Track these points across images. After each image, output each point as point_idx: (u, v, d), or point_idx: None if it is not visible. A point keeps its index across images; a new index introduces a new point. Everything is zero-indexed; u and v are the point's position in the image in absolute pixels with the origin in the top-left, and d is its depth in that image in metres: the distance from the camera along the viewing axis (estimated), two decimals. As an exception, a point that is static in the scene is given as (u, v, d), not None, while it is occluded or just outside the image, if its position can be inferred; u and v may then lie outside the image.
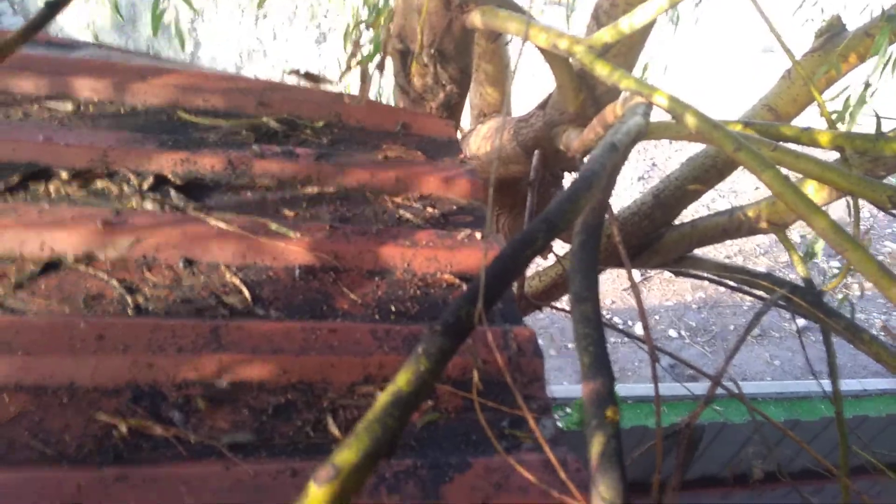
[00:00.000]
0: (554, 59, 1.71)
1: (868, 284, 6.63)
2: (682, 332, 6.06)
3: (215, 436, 0.93)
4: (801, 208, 1.07)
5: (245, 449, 0.92)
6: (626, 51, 1.82)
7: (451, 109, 1.74)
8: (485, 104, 2.58)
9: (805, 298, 1.82)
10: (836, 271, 6.41)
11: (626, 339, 6.02)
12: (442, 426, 0.99)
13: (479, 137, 2.39)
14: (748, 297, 6.31)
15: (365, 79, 1.22)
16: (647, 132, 1.08)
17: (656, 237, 2.48)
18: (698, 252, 2.64)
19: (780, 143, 1.46)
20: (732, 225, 2.26)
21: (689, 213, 2.67)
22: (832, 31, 2.09)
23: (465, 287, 1.18)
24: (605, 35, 1.29)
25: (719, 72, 9.00)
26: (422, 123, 1.55)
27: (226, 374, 0.99)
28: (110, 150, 1.28)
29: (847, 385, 4.67)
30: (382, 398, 0.54)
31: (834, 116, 1.97)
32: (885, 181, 1.69)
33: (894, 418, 2.91)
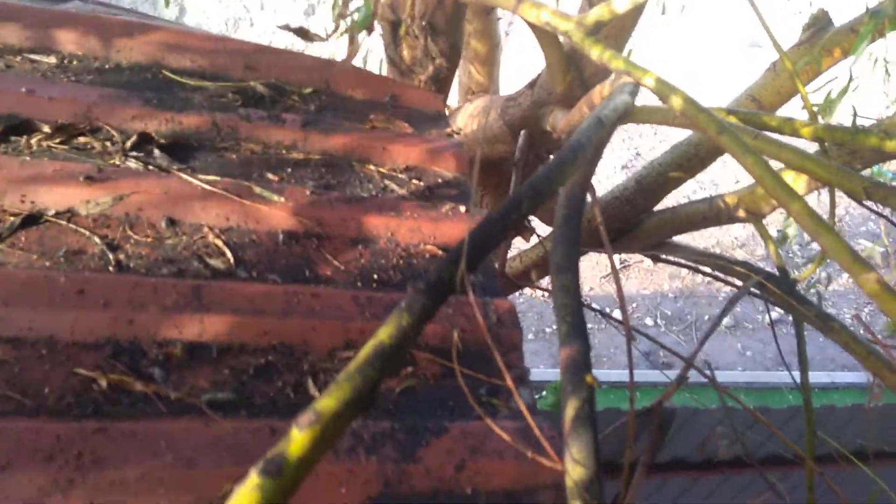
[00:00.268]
0: (544, 38, 1.72)
1: (841, 280, 6.77)
2: (659, 321, 6.14)
3: (195, 393, 0.93)
4: (780, 193, 1.09)
5: (225, 407, 0.93)
6: (616, 33, 1.83)
7: (440, 83, 1.74)
8: (473, 82, 2.58)
9: (778, 287, 1.86)
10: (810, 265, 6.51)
11: (603, 325, 6.09)
12: (420, 392, 1.01)
13: (467, 115, 2.39)
14: (724, 288, 6.41)
15: (353, 41, 1.21)
16: (633, 111, 1.09)
17: (637, 222, 2.50)
18: (678, 239, 2.68)
19: (763, 132, 1.48)
20: (712, 212, 2.29)
21: (672, 204, 2.70)
22: (818, 25, 2.11)
23: (447, 258, 1.19)
24: (598, 13, 1.30)
25: (706, 66, 9.05)
26: (410, 95, 1.55)
27: (207, 333, 0.99)
28: (94, 106, 1.26)
29: (816, 377, 4.78)
30: (364, 350, 0.55)
31: (816, 109, 2.00)
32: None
33: (860, 408, 2.99)
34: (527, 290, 6.01)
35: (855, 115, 1.81)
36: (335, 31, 1.22)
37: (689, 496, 3.44)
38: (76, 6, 1.53)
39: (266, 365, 0.98)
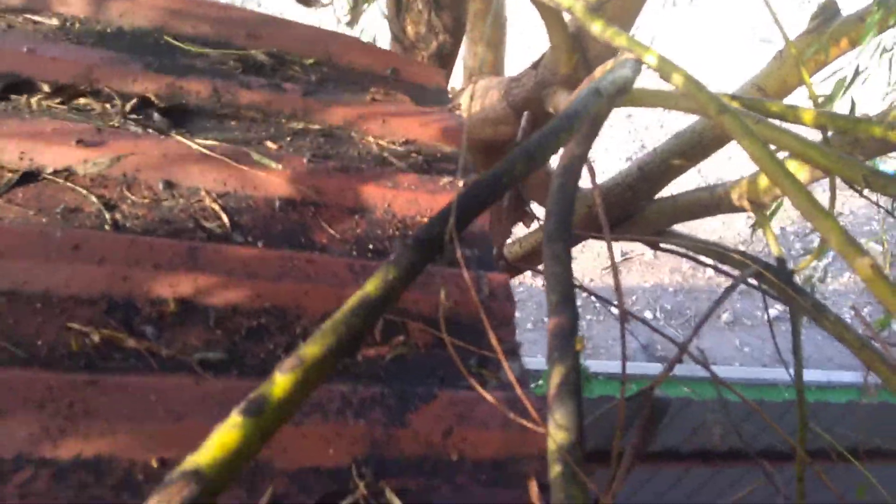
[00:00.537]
0: (549, 17, 1.71)
1: (842, 279, 6.76)
2: (658, 314, 6.15)
3: (187, 352, 0.94)
4: (778, 175, 1.09)
5: (216, 367, 0.94)
6: (620, 14, 1.82)
7: (444, 59, 1.73)
8: (478, 63, 2.57)
9: (776, 277, 1.86)
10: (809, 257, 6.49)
11: (601, 317, 6.09)
12: (411, 360, 1.01)
13: (470, 96, 2.38)
14: (724, 283, 6.40)
15: (357, 5, 1.21)
16: (632, 88, 1.08)
17: (638, 209, 2.50)
18: (678, 229, 2.67)
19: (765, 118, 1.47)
20: (713, 201, 2.28)
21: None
22: (826, 15, 2.10)
23: (443, 230, 1.20)
24: (602, -9, 1.29)
25: (716, 61, 8.99)
26: (413, 70, 1.55)
27: (200, 294, 0.99)
28: (95, 68, 1.26)
29: (812, 375, 4.77)
30: (351, 300, 0.55)
31: (821, 100, 1.99)
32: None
33: (854, 404, 3.00)
34: (527, 280, 6.02)
35: (853, 105, 1.80)
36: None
37: (680, 487, 3.46)
38: (81, -31, 1.52)
39: (258, 327, 0.99)
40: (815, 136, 1.97)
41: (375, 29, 2.29)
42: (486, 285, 1.12)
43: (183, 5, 1.45)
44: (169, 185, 1.14)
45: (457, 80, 2.72)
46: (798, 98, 2.08)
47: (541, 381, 4.97)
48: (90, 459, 0.78)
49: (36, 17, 1.36)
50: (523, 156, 0.72)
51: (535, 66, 1.98)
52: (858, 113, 1.98)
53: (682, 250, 2.35)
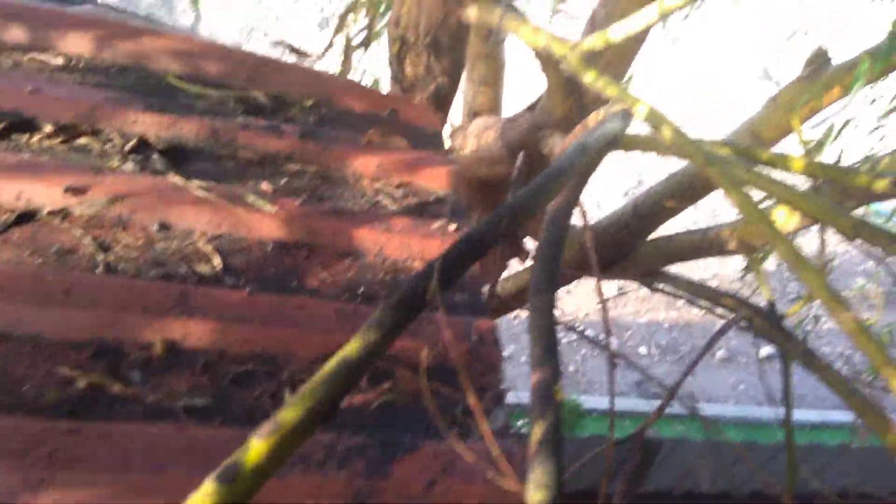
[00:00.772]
0: (545, 62, 1.74)
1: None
2: (652, 350, 6.13)
3: (173, 397, 0.94)
4: (764, 228, 1.11)
5: (201, 413, 0.94)
6: (617, 61, 1.86)
7: (441, 102, 1.76)
8: (477, 103, 2.60)
9: (767, 322, 1.86)
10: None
11: (596, 352, 6.07)
12: (398, 407, 1.02)
13: (468, 135, 2.41)
14: (720, 320, 6.40)
15: (348, 59, 1.24)
16: (622, 138, 1.10)
17: (632, 249, 2.51)
18: (674, 269, 2.69)
19: (756, 166, 1.50)
20: (705, 243, 2.30)
21: (671, 232, 2.71)
22: (818, 63, 2.14)
23: (433, 275, 1.21)
24: (593, 41, 1.32)
25: (717, 96, 9.11)
26: (410, 112, 1.57)
27: (189, 338, 1.00)
28: (97, 108, 1.29)
29: (807, 415, 4.74)
30: (330, 363, 0.56)
31: (812, 146, 2.02)
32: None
33: (846, 447, 2.98)
34: (523, 314, 6.01)
35: (841, 154, 1.83)
36: (328, 48, 1.24)
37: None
38: (88, 9, 1.56)
39: (246, 373, 0.99)
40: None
41: (380, 68, 2.32)
42: (475, 332, 1.12)
43: (187, 47, 1.48)
44: (163, 226, 1.15)
45: (456, 115, 2.76)
46: (793, 142, 2.12)
47: (535, 416, 4.93)
48: (70, 509, 0.78)
49: (41, 56, 1.38)
50: (508, 213, 0.73)
51: (531, 108, 2.01)
52: (848, 155, 2.01)
53: (676, 291, 2.36)
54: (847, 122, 2.09)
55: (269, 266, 1.14)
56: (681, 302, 6.38)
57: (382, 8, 1.41)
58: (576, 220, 1.12)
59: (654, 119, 1.18)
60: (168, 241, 1.14)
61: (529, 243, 2.75)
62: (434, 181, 1.41)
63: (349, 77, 1.49)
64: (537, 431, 0.74)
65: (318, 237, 1.20)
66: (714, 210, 7.08)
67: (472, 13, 1.52)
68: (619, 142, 1.09)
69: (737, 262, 6.96)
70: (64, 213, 1.12)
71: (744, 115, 2.31)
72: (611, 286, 6.40)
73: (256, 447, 0.50)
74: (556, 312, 0.88)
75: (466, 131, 2.46)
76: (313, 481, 0.87)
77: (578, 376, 5.73)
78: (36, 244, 1.06)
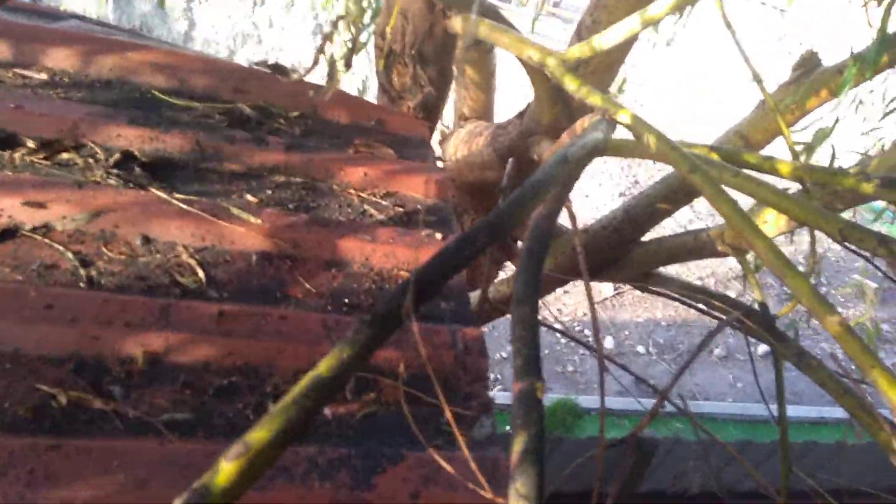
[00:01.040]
0: (533, 70, 1.74)
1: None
2: (650, 349, 6.13)
3: (154, 412, 0.94)
4: (748, 232, 1.11)
5: (183, 427, 0.93)
6: (603, 69, 1.86)
7: (429, 110, 1.76)
8: (468, 108, 2.60)
9: (758, 322, 1.86)
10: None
11: (594, 351, 6.06)
12: (381, 418, 1.01)
13: (458, 141, 2.41)
14: (717, 318, 6.40)
15: (333, 77, 1.24)
16: (605, 148, 1.10)
17: (625, 252, 2.51)
18: (669, 269, 2.69)
19: (744, 169, 1.50)
20: (697, 245, 2.30)
21: (668, 234, 2.71)
22: (807, 66, 2.14)
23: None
24: (578, 51, 1.32)
25: (708, 99, 9.13)
26: (396, 122, 1.57)
27: (171, 352, 1.00)
28: (80, 122, 1.28)
29: (805, 412, 4.74)
30: (302, 381, 0.56)
31: (800, 148, 2.02)
32: (841, 214, 1.74)
33: (843, 444, 2.97)
34: (520, 314, 5.99)
35: (833, 155, 1.84)
36: (313, 66, 1.25)
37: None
38: (71, 24, 1.56)
39: (229, 385, 0.99)
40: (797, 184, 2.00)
41: (370, 78, 2.33)
42: (461, 340, 1.12)
43: (171, 60, 1.48)
44: (147, 240, 1.15)
45: (449, 120, 2.76)
46: (781, 145, 2.12)
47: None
48: (50, 528, 0.77)
49: (25, 72, 1.38)
50: (486, 228, 0.73)
51: (521, 115, 2.02)
52: (840, 158, 2.01)
53: (669, 292, 2.36)
54: (835, 124, 2.10)
55: (253, 278, 1.14)
56: (678, 302, 6.38)
57: (368, 20, 1.41)
58: (568, 223, 1.12)
59: (637, 126, 1.18)
60: (151, 255, 1.13)
61: (522, 245, 2.75)
62: (420, 190, 1.41)
63: (345, 77, 1.48)
64: (519, 441, 0.74)
65: (302, 248, 1.20)
66: (710, 210, 7.09)
67: (455, 24, 1.52)
68: (601, 151, 1.09)
69: (734, 260, 6.97)
70: (46, 229, 1.11)
71: (736, 116, 2.32)
72: (607, 286, 6.41)
73: (226, 469, 0.50)
74: (539, 321, 0.87)
75: (457, 137, 2.47)
76: (296, 493, 0.86)
77: (577, 376, 5.73)
78: (18, 260, 1.06)
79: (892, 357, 6.41)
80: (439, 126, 2.49)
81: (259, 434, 0.52)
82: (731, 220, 1.11)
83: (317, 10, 8.68)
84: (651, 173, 7.70)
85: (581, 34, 1.83)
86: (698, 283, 6.58)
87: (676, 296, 2.32)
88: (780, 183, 1.51)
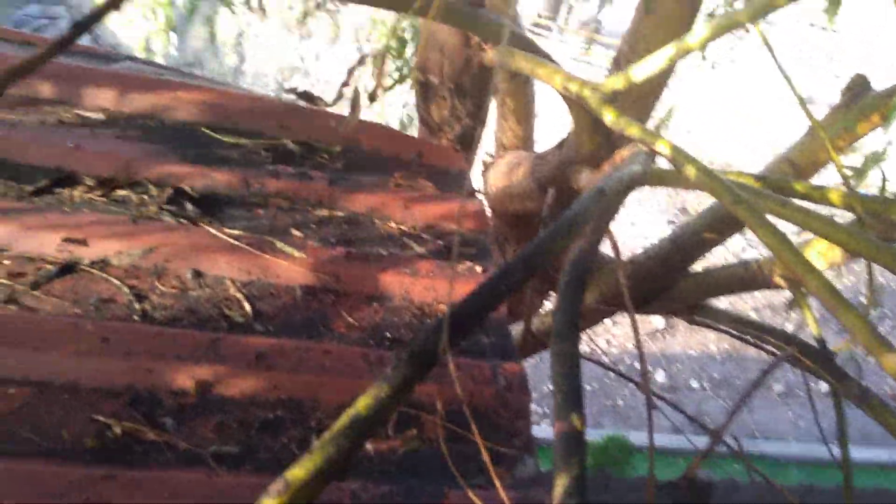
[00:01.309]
0: (570, 100, 1.75)
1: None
2: (705, 384, 5.94)
3: (203, 444, 0.96)
4: (797, 266, 1.07)
5: (230, 460, 0.95)
6: (644, 96, 1.85)
7: (467, 142, 1.78)
8: (508, 138, 2.62)
9: (815, 359, 1.80)
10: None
11: (653, 395, 5.91)
12: (423, 455, 1.01)
13: (499, 171, 2.42)
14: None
15: (355, 109, 1.27)
16: (643, 180, 1.10)
17: (671, 283, 2.47)
18: (723, 301, 2.62)
19: (793, 199, 1.47)
20: (748, 276, 2.24)
21: (720, 263, 2.65)
22: (856, 90, 2.09)
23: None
24: (614, 82, 1.32)
25: (758, 124, 8.96)
26: (435, 154, 1.60)
27: (220, 385, 1.02)
28: (134, 161, 1.34)
29: (876, 455, 4.49)
30: (340, 420, 0.57)
31: (850, 174, 1.97)
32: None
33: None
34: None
35: (884, 181, 1.78)
36: (337, 98, 1.28)
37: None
38: (126, 66, 1.64)
39: (274, 419, 1.01)
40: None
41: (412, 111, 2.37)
42: (502, 376, 1.12)
43: (220, 99, 1.54)
44: (197, 274, 1.19)
45: (490, 150, 2.78)
46: (833, 172, 2.06)
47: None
48: (100, 559, 0.79)
49: (83, 112, 1.46)
50: (521, 264, 0.73)
51: (560, 145, 2.02)
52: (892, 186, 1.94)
53: (719, 325, 2.30)
54: (885, 151, 2.03)
55: (298, 312, 1.17)
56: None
57: (406, 54, 1.45)
58: (612, 253, 1.11)
59: (677, 157, 1.17)
60: (201, 289, 1.17)
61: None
62: (460, 222, 1.42)
63: (377, 121, 1.52)
64: (560, 484, 0.73)
65: (344, 282, 1.22)
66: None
67: (492, 57, 1.54)
68: (639, 183, 1.08)
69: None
70: (103, 264, 1.16)
71: (788, 142, 2.27)
72: (659, 317, 6.27)
73: (266, 507, 0.51)
74: (581, 355, 0.87)
75: (498, 168, 2.48)
76: (337, 531, 0.87)
77: (628, 411, 5.59)
78: (76, 295, 1.11)
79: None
80: (481, 156, 2.51)
81: (298, 472, 0.53)
82: (779, 252, 1.08)
83: (360, 43, 8.91)
84: (700, 200, 7.56)
85: (620, 63, 1.83)
86: (753, 314, 6.39)
87: (729, 330, 2.25)
88: (832, 212, 1.46)
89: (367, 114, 2.05)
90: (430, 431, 1.04)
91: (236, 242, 1.23)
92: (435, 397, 1.06)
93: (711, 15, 3.58)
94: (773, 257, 2.15)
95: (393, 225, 1.39)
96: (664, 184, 1.46)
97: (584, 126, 1.78)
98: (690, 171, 1.14)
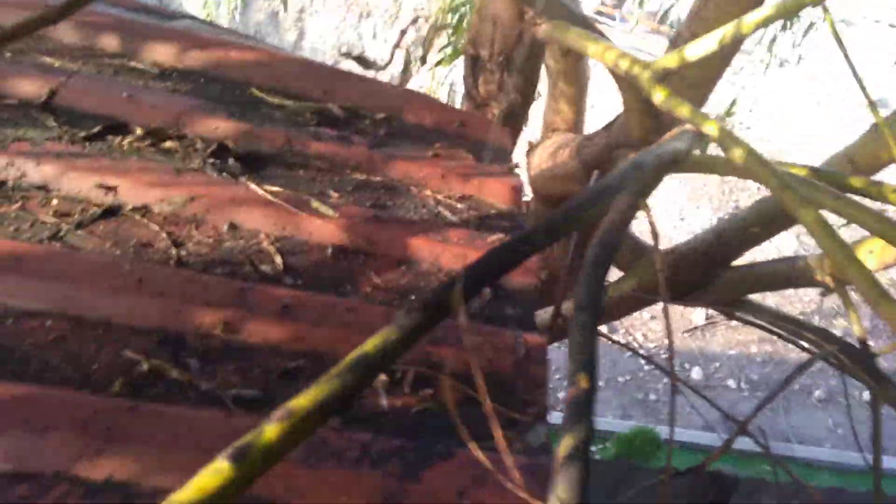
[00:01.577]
0: (622, 81, 1.71)
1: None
2: (742, 384, 5.80)
3: (224, 387, 0.99)
4: (838, 255, 1.03)
5: (249, 403, 0.98)
6: (699, 82, 1.80)
7: (513, 118, 1.77)
8: (558, 120, 2.59)
9: (856, 360, 1.73)
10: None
11: (680, 384, 5.81)
12: (437, 415, 1.02)
13: (545, 152, 2.40)
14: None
15: (408, 70, 1.27)
16: (684, 159, 1.07)
17: (713, 276, 2.41)
18: (769, 301, 2.55)
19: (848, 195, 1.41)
20: (794, 273, 2.17)
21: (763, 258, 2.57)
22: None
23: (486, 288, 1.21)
24: (668, 61, 1.29)
25: (823, 124, 8.61)
26: (479, 127, 1.59)
27: (246, 332, 1.05)
28: (183, 114, 1.38)
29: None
30: (348, 357, 0.58)
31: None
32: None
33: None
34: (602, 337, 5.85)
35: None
36: (389, 62, 1.28)
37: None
38: (186, 24, 1.68)
39: (294, 369, 1.03)
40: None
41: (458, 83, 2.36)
42: (523, 346, 1.11)
43: (269, 59, 1.57)
44: (233, 226, 1.22)
45: (536, 131, 2.76)
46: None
47: (608, 444, 4.79)
48: (119, 482, 0.83)
49: (138, 65, 1.51)
50: (544, 228, 0.73)
51: (608, 127, 1.98)
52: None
53: (758, 321, 2.24)
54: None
55: (327, 269, 1.18)
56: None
57: (460, 28, 1.44)
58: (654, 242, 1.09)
59: (726, 138, 1.13)
60: (235, 241, 1.20)
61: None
62: (496, 196, 1.42)
63: (423, 90, 1.52)
64: (565, 446, 0.73)
65: (375, 244, 1.23)
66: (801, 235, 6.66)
67: (545, 31, 1.52)
68: (680, 162, 1.05)
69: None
70: (145, 210, 1.20)
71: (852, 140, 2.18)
72: (699, 314, 6.14)
73: (268, 431, 0.52)
74: (597, 329, 0.86)
75: (544, 149, 2.46)
76: (346, 477, 0.89)
77: (659, 405, 5.51)
78: (118, 237, 1.15)
79: None
80: (526, 136, 2.49)
81: (302, 401, 0.54)
82: (825, 243, 1.04)
83: (419, 22, 8.90)
84: (755, 196, 7.33)
85: (677, 45, 1.78)
86: (800, 316, 6.18)
87: (767, 326, 2.19)
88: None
89: (416, 85, 2.05)
90: (445, 393, 1.05)
91: (273, 199, 1.25)
92: (453, 361, 1.07)
93: None
94: (821, 255, 2.07)
95: (429, 192, 1.40)
96: (708, 170, 1.42)
97: (634, 108, 1.75)
98: (738, 154, 1.11)
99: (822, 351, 1.73)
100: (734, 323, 6.19)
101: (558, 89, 2.50)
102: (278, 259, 1.18)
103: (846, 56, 1.54)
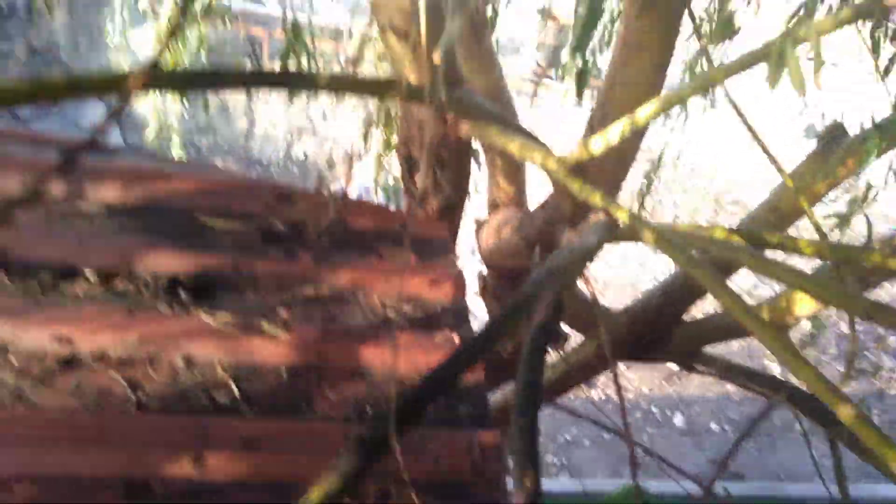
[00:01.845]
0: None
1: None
2: (725, 426, 5.85)
3: (190, 528, 1.01)
4: (755, 328, 1.12)
5: (217, 542, 1.00)
6: (619, 158, 1.93)
7: (450, 210, 1.87)
8: (499, 195, 2.70)
9: (804, 403, 1.82)
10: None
11: (665, 429, 5.84)
12: (401, 527, 1.05)
13: (490, 229, 2.50)
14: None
15: (348, 179, 1.36)
16: (597, 250, 1.16)
17: (666, 332, 2.50)
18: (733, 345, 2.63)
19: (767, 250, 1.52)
20: (736, 324, 2.27)
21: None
22: (832, 136, 2.15)
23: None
24: (579, 154, 1.40)
25: (761, 157, 8.98)
26: (418, 225, 1.68)
27: (208, 472, 1.08)
28: (133, 252, 1.43)
29: (887, 491, 4.39)
30: (291, 515, 0.62)
31: (832, 221, 2.02)
32: (865, 294, 1.72)
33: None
34: (583, 394, 5.88)
35: (870, 227, 1.82)
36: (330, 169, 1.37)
37: None
38: (127, 159, 1.76)
39: (258, 503, 1.06)
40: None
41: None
42: (477, 447, 1.16)
43: (211, 185, 1.64)
44: (187, 360, 1.26)
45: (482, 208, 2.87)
46: (823, 209, 2.10)
47: None
48: None
49: (86, 207, 1.56)
50: (465, 355, 0.79)
51: (545, 205, 2.09)
52: (882, 226, 1.98)
53: (712, 372, 2.32)
54: (867, 193, 2.08)
55: (282, 391, 1.23)
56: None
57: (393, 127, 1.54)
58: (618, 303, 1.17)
59: (636, 225, 1.23)
60: (192, 374, 1.24)
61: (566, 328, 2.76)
62: (440, 291, 1.49)
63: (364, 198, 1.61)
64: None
65: (327, 359, 1.28)
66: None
67: (467, 131, 1.63)
68: (594, 254, 1.14)
69: (803, 328, 6.69)
70: (101, 356, 1.24)
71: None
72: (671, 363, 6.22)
73: None
74: (538, 431, 0.91)
75: (489, 226, 2.56)
76: None
77: (646, 458, 5.50)
78: (77, 389, 1.18)
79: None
80: (473, 217, 2.59)
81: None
82: (734, 311, 1.13)
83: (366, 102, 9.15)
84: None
85: (593, 126, 1.91)
86: (748, 367, 6.30)
87: (722, 377, 2.27)
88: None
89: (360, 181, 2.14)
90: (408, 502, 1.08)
91: (223, 328, 1.30)
92: (412, 470, 1.11)
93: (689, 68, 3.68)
94: (759, 306, 2.18)
95: (375, 298, 1.46)
96: (629, 239, 1.52)
97: (561, 189, 1.86)
98: (648, 236, 1.21)
99: (775, 399, 1.81)
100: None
101: (496, 166, 2.62)
102: (234, 388, 1.22)
103: (752, 131, 1.68)
